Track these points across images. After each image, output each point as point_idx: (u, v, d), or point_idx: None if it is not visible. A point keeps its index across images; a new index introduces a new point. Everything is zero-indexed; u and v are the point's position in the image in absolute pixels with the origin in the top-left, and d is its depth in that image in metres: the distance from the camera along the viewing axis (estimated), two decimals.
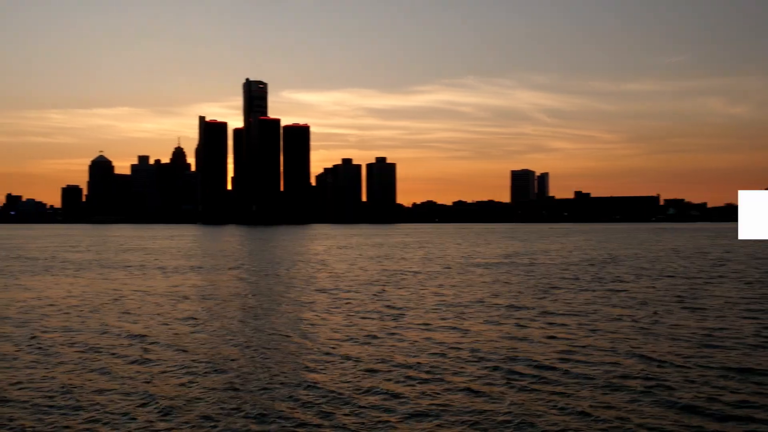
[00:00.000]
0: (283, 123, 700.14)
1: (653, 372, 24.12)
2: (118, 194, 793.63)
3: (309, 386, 22.45)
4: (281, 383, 22.90)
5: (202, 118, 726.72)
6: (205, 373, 24.50)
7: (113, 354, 27.94)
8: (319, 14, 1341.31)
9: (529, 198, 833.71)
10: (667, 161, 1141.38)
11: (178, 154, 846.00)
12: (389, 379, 23.35)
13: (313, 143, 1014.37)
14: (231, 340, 31.14)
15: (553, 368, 24.80)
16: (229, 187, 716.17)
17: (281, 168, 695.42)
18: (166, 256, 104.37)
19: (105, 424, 18.76)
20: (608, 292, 49.72)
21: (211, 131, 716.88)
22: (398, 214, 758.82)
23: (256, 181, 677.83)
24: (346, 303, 44.30)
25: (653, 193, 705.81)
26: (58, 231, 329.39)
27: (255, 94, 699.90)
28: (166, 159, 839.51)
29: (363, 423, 18.73)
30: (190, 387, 22.50)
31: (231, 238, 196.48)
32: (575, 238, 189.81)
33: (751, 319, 36.38)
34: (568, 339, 30.66)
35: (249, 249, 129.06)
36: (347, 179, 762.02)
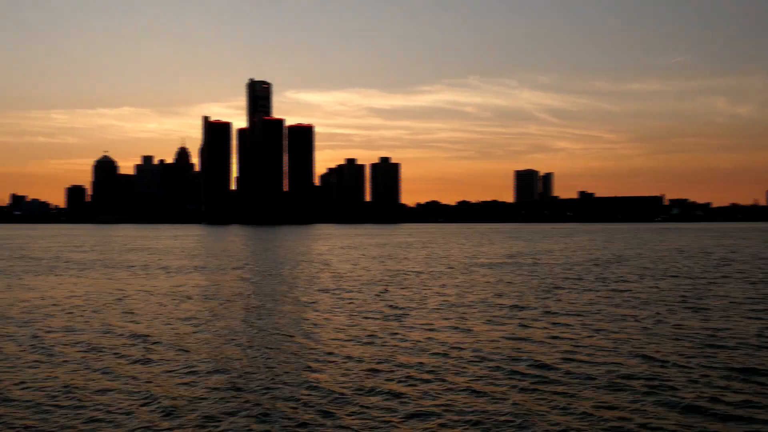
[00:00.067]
0: (287, 123, 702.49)
1: (656, 372, 24.05)
2: (122, 194, 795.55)
3: (311, 386, 22.45)
4: (284, 383, 22.89)
5: (206, 118, 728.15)
6: (208, 372, 24.52)
7: (116, 354, 27.97)
8: (322, 14, 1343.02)
9: (533, 198, 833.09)
10: (671, 161, 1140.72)
11: (182, 154, 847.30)
12: (392, 379, 23.33)
13: (317, 143, 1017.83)
14: (234, 340, 31.15)
15: (557, 368, 24.75)
16: (233, 187, 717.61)
17: (285, 168, 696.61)
18: (170, 256, 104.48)
19: (108, 423, 18.77)
20: (612, 292, 49.62)
21: (215, 131, 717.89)
22: (402, 214, 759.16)
23: (260, 181, 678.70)
24: (349, 303, 44.29)
25: (657, 193, 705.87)
26: (62, 231, 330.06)
27: (259, 94, 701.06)
28: (170, 159, 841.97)
29: (365, 423, 18.72)
30: (193, 387, 22.51)
31: (235, 238, 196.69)
32: (579, 238, 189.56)
33: (755, 319, 36.28)
34: (571, 339, 30.60)
35: (252, 249, 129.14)
36: (351, 179, 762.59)
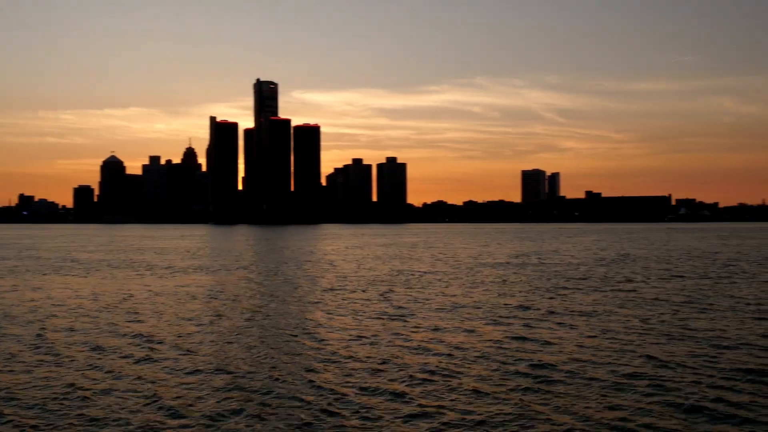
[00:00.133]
0: (293, 123, 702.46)
1: (662, 373, 23.94)
2: (129, 194, 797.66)
3: (315, 386, 22.44)
4: (288, 383, 22.90)
5: (212, 119, 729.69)
6: (212, 372, 24.54)
7: (121, 353, 28.04)
8: (329, 15, 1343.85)
9: (540, 198, 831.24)
10: (678, 161, 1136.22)
11: (189, 154, 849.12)
12: (396, 380, 23.30)
13: (323, 143, 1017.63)
14: (238, 340, 31.19)
15: (561, 369, 24.67)
16: (240, 187, 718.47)
17: (292, 168, 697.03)
18: (176, 256, 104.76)
19: (112, 423, 18.81)
20: (617, 293, 49.46)
21: (222, 131, 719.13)
22: (409, 214, 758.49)
23: (267, 181, 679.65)
24: (354, 303, 44.29)
25: (664, 193, 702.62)
26: (69, 231, 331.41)
27: (266, 95, 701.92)
28: (177, 159, 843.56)
29: (369, 423, 18.69)
30: (197, 387, 22.54)
31: (241, 238, 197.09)
32: (586, 238, 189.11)
33: (762, 320, 36.09)
34: (576, 340, 30.51)
35: (258, 249, 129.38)
36: (358, 179, 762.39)
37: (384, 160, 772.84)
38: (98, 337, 31.94)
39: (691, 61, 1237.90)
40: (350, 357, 27.03)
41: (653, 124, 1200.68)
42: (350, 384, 22.71)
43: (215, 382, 23.15)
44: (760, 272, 67.46)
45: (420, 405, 20.29)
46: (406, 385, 22.52)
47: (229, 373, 24.44)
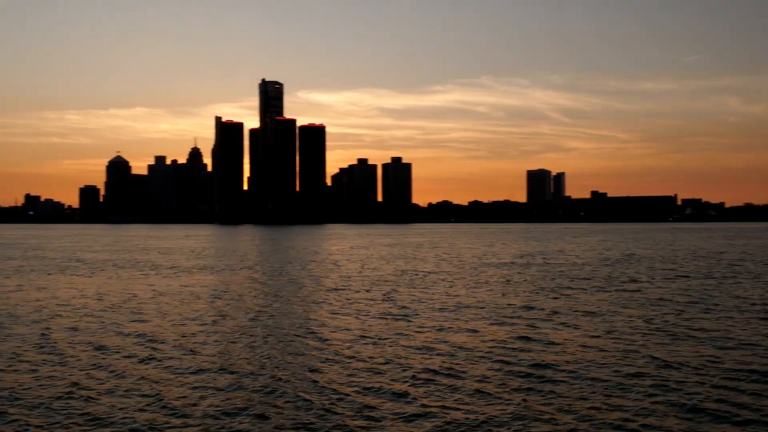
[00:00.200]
0: (298, 123, 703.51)
1: (666, 374, 23.88)
2: (135, 194, 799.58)
3: (319, 386, 22.46)
4: (291, 383, 22.92)
5: (218, 119, 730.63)
6: (216, 372, 24.58)
7: (124, 353, 28.10)
8: (334, 15, 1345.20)
9: (545, 198, 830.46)
10: (684, 160, 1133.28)
11: (195, 154, 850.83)
12: (399, 380, 23.30)
13: (328, 143, 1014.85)
14: (241, 340, 31.23)
15: (565, 369, 24.63)
16: (245, 187, 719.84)
17: (297, 168, 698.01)
18: (181, 256, 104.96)
19: (115, 422, 18.85)
20: (622, 293, 49.35)
21: (228, 131, 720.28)
22: (414, 213, 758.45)
23: (272, 181, 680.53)
24: (357, 303, 44.30)
25: (670, 193, 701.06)
26: (75, 231, 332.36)
27: (271, 95, 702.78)
28: (182, 159, 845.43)
29: (372, 423, 18.70)
30: (200, 387, 22.57)
31: (246, 238, 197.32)
32: (591, 238, 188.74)
33: (767, 320, 35.95)
34: (580, 340, 30.45)
35: (263, 249, 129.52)
36: (363, 179, 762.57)
37: (389, 160, 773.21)
38: (102, 336, 32.03)
39: (696, 61, 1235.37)
40: (354, 357, 27.04)
41: (659, 124, 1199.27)
42: (354, 384, 22.72)
43: (219, 381, 23.20)
44: (766, 272, 67.24)
45: (423, 405, 20.29)
46: (410, 385, 22.53)
47: (233, 372, 24.48)
